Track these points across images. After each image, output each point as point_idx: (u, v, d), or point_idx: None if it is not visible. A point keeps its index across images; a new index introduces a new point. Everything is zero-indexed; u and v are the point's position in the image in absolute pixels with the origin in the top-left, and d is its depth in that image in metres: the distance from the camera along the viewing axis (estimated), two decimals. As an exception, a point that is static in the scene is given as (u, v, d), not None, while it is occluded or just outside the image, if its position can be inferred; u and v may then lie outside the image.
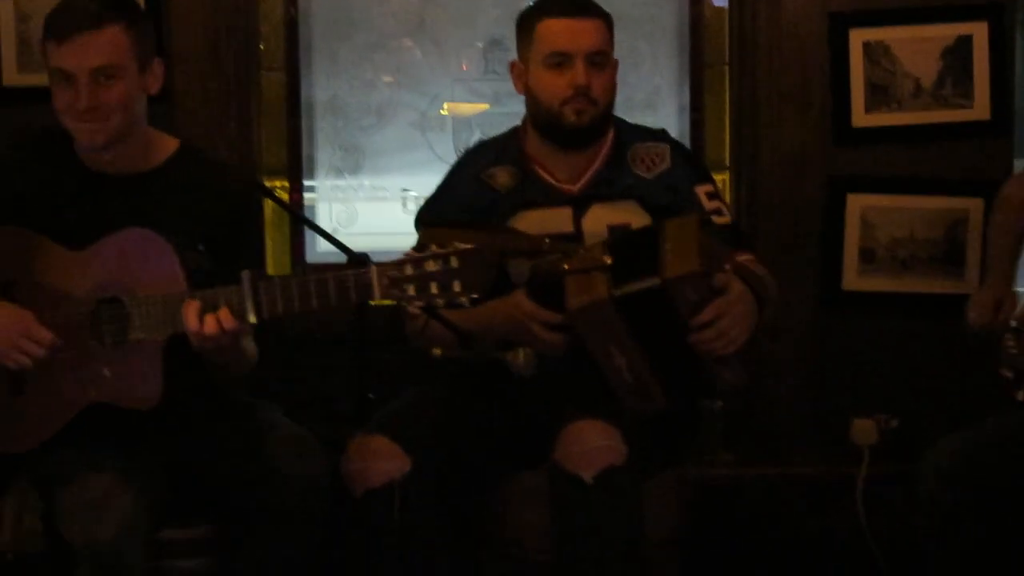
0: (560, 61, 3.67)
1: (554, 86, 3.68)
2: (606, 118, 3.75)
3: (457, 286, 2.94)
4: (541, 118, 3.75)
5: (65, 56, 3.30)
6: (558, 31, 3.67)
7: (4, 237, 3.38)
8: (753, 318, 3.53)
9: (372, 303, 3.08)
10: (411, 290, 2.97)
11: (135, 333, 3.23)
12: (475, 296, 2.97)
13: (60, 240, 3.36)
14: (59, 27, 3.31)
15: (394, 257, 2.94)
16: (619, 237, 3.65)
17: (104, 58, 3.31)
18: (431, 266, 2.95)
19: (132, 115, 3.40)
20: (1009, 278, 3.94)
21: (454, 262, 2.94)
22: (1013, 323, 3.69)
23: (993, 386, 3.70)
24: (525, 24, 3.76)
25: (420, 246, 3.75)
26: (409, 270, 2.96)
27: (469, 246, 2.95)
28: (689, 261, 3.40)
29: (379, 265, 3.00)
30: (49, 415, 3.32)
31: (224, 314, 3.12)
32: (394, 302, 3.02)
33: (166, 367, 3.23)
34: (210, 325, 3.13)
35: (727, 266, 3.53)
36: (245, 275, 3.12)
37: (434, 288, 2.95)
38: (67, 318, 3.28)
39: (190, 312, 3.14)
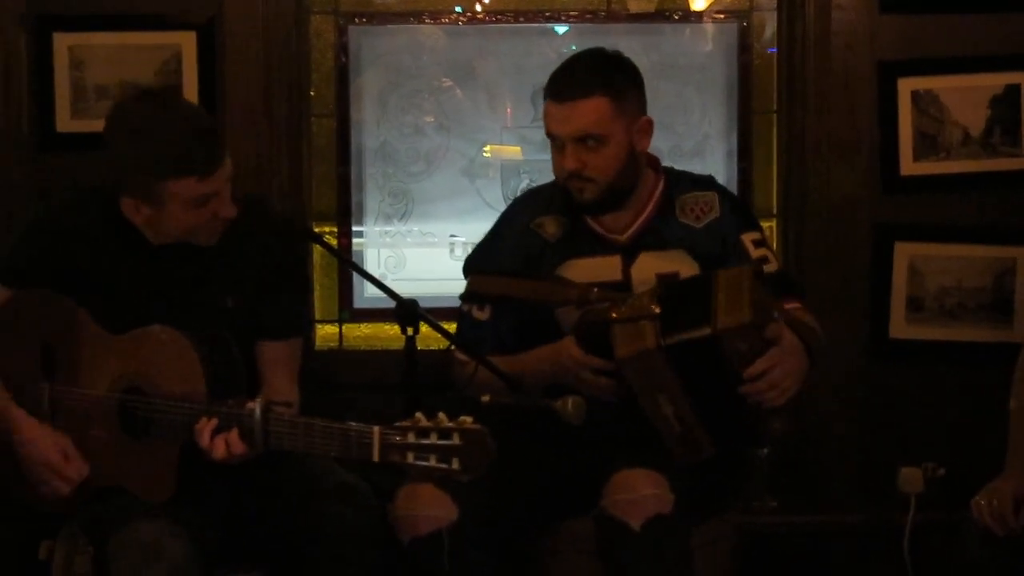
0: (554, 142, 3.69)
1: (556, 164, 3.72)
2: (621, 186, 3.73)
3: (456, 463, 2.94)
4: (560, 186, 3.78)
5: None
6: (551, 114, 3.68)
7: (51, 303, 3.46)
8: (804, 369, 3.54)
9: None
10: (410, 457, 2.98)
11: (157, 431, 3.29)
12: (471, 478, 2.99)
13: (106, 294, 3.44)
14: None
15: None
16: (670, 286, 3.64)
17: None
18: (433, 438, 2.96)
19: None
20: None
21: (456, 439, 2.95)
22: None
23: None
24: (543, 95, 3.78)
25: (468, 294, 3.81)
26: (411, 437, 2.98)
27: (475, 426, 2.96)
28: (741, 312, 3.40)
29: (383, 428, 3.02)
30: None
31: (233, 437, 3.18)
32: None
33: (188, 458, 3.30)
34: (219, 448, 3.19)
35: (777, 316, 3.53)
36: (259, 404, 3.18)
37: (432, 460, 2.96)
38: (95, 400, 3.37)
39: (205, 430, 3.21)
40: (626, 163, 3.71)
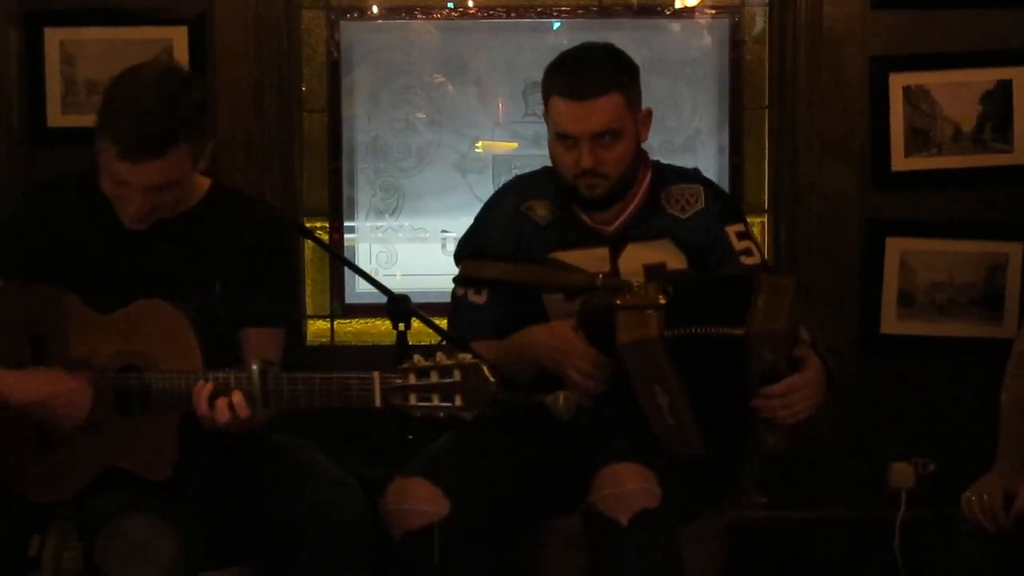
0: (567, 140, 3.66)
1: (565, 161, 3.68)
2: (627, 179, 3.72)
3: (459, 400, 2.96)
4: (561, 182, 3.75)
5: None
6: (563, 112, 3.63)
7: (38, 293, 3.43)
8: (820, 397, 3.51)
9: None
10: (413, 399, 3.00)
11: (154, 406, 3.27)
12: (475, 414, 3.00)
13: (90, 283, 3.41)
14: None
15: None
16: (708, 280, 3.67)
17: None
18: (434, 377, 2.98)
19: None
20: None
21: (457, 375, 2.96)
22: None
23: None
24: (542, 88, 3.74)
25: (465, 278, 3.80)
26: (412, 379, 2.99)
27: (472, 360, 2.97)
28: (778, 322, 3.38)
29: (383, 373, 3.03)
30: (74, 473, 3.38)
31: (238, 398, 3.18)
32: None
33: (182, 438, 3.29)
34: (222, 411, 3.18)
35: (805, 336, 3.52)
36: (256, 364, 3.18)
37: (436, 399, 2.98)
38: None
39: (202, 395, 3.19)
40: (635, 155, 3.72)
